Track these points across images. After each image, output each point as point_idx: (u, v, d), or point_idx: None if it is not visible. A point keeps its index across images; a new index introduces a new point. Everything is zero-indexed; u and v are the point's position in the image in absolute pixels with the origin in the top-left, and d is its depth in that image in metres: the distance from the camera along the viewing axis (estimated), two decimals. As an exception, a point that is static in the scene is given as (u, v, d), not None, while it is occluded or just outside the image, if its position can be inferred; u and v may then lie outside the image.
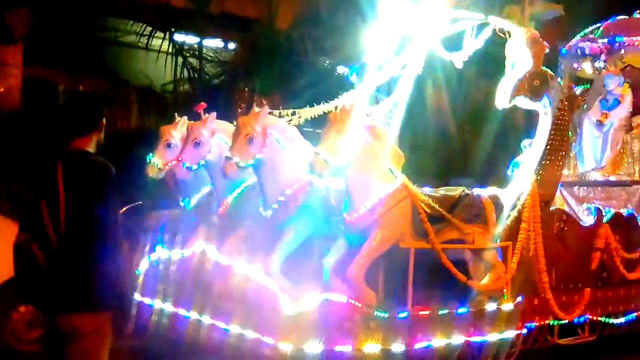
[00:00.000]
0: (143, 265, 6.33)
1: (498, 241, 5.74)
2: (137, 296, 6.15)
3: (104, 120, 3.78)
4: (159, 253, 6.30)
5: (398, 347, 5.05)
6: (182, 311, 5.84)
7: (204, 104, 6.10)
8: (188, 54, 12.84)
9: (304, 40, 11.56)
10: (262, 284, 5.12)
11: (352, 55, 6.84)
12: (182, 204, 6.43)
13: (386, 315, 5.04)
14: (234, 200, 5.92)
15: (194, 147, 5.96)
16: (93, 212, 3.47)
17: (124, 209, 6.92)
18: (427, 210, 5.32)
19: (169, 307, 5.99)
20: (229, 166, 5.32)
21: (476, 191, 5.85)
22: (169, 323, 5.96)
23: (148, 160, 6.11)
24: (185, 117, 6.28)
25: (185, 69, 12.63)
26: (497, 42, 5.96)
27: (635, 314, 7.05)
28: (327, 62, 12.29)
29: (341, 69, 6.64)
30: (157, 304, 6.10)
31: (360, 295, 5.00)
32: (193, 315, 5.71)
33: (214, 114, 6.08)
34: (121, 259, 3.58)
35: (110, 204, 3.54)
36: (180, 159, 5.99)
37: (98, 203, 3.49)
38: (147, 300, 6.18)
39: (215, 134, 6.01)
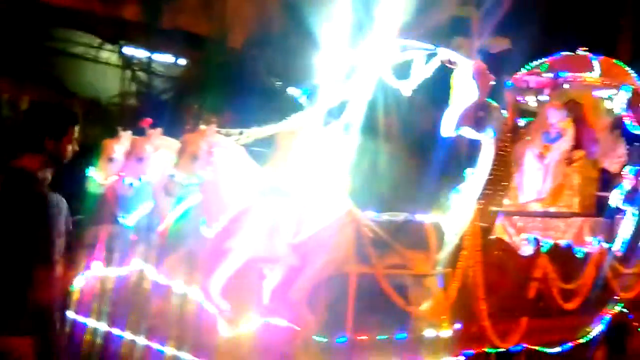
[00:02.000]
0: (79, 282, 6.16)
1: (439, 268, 5.79)
2: (71, 314, 5.99)
3: (67, 134, 3.64)
4: (95, 270, 6.14)
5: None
6: (116, 331, 5.69)
7: (149, 119, 6.00)
8: (137, 68, 12.69)
9: (256, 59, 11.57)
10: (200, 305, 5.03)
11: (303, 77, 6.86)
12: (121, 220, 6.29)
13: (325, 340, 5.01)
14: (176, 219, 5.83)
15: (137, 163, 5.84)
16: (21, 237, 3.36)
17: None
18: (371, 235, 5.34)
19: (103, 326, 5.84)
20: (171, 184, 5.23)
21: (419, 217, 5.91)
22: (103, 342, 5.81)
23: (89, 174, 5.97)
24: (130, 132, 6.17)
25: (133, 83, 12.47)
26: (446, 71, 6.06)
27: (571, 344, 7.19)
28: (278, 82, 12.31)
29: (292, 90, 6.65)
30: (92, 322, 5.94)
31: (301, 320, 4.97)
32: (127, 335, 5.57)
33: (159, 129, 5.99)
34: (50, 285, 3.47)
35: (41, 233, 3.42)
36: (121, 174, 5.87)
37: (27, 230, 3.37)
38: (81, 319, 6.01)
39: (159, 150, 5.92)
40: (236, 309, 5.06)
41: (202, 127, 5.44)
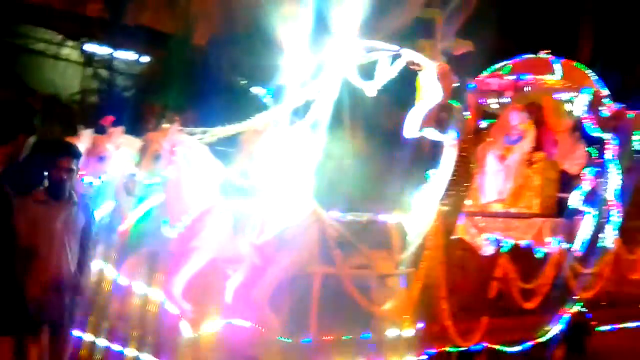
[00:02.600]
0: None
1: (402, 268, 5.83)
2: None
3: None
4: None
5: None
6: (76, 332, 5.60)
7: (110, 117, 5.93)
8: (98, 65, 12.50)
9: (220, 58, 11.48)
10: (161, 306, 4.98)
11: (268, 77, 6.83)
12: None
13: (289, 340, 5.00)
14: (137, 219, 5.76)
15: (97, 162, 5.77)
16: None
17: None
18: (335, 235, 5.35)
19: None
20: (132, 183, 5.18)
21: (383, 217, 5.93)
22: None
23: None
24: (90, 130, 6.08)
25: (94, 80, 12.28)
26: (410, 72, 6.10)
27: (530, 343, 7.29)
28: (242, 81, 12.24)
29: (256, 90, 6.62)
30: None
31: (264, 320, 4.95)
32: (88, 337, 5.48)
33: (121, 128, 5.92)
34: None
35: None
36: (82, 173, 5.77)
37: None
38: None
39: (121, 148, 5.85)
40: (198, 309, 5.03)
41: (165, 125, 5.39)
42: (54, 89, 12.35)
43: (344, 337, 5.33)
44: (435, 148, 6.24)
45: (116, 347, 5.22)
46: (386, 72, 6.20)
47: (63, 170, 4.69)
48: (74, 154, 4.84)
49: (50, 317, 4.66)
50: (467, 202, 7.53)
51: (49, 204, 4.67)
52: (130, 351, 5.09)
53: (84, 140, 6.00)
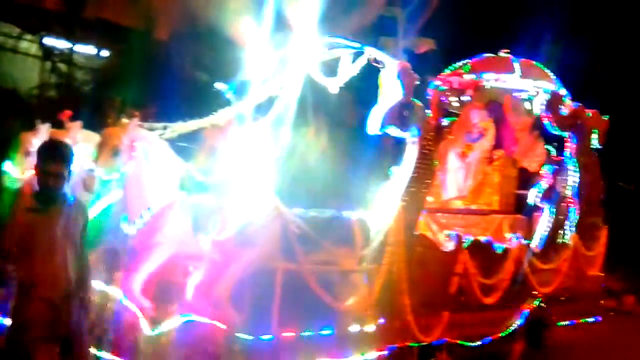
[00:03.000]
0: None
1: (364, 264, 5.85)
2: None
3: None
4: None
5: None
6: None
7: (68, 112, 5.84)
8: (57, 59, 12.29)
9: (182, 53, 11.38)
10: (120, 303, 4.92)
11: (231, 72, 6.79)
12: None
13: (250, 337, 4.98)
14: (96, 215, 5.67)
15: (55, 157, 5.65)
16: None
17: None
18: (297, 231, 5.33)
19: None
20: (90, 179, 5.10)
21: (345, 214, 5.94)
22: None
23: (5, 169, 5.76)
24: (48, 125, 5.97)
25: (53, 74, 12.08)
26: (374, 70, 6.12)
27: (490, 337, 7.37)
28: (205, 77, 12.15)
29: (219, 86, 6.58)
30: (8, 321, 5.71)
31: (225, 317, 4.92)
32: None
33: (79, 122, 5.83)
34: None
35: None
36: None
37: None
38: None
39: (79, 143, 5.75)
40: (158, 307, 4.98)
41: (124, 120, 5.32)
42: (12, 83, 12.11)
43: (305, 333, 5.32)
44: (398, 145, 6.27)
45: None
46: (348, 69, 6.22)
47: (51, 177, 4.25)
48: (64, 157, 4.35)
49: (60, 332, 4.23)
50: (429, 199, 7.60)
51: (42, 211, 4.26)
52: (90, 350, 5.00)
53: (41, 135, 5.90)
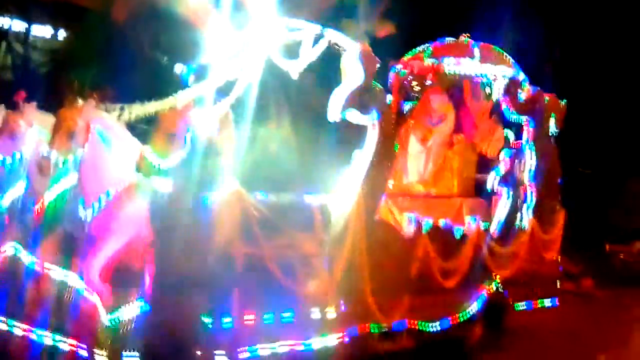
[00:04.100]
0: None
1: (325, 248, 5.85)
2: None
3: None
4: (-36, 254, 5.77)
5: (221, 357, 4.97)
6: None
7: (23, 93, 5.69)
8: (13, 40, 11.99)
9: (140, 34, 11.17)
10: (78, 289, 4.84)
11: (190, 54, 6.70)
12: (-6, 200, 5.94)
13: (211, 322, 4.95)
14: (51, 200, 5.56)
15: (9, 139, 5.55)
16: None
17: None
18: (257, 215, 5.31)
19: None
20: (45, 162, 4.99)
21: (306, 199, 5.93)
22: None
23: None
24: (2, 106, 5.83)
25: (8, 55, 11.78)
26: (336, 53, 6.09)
27: (449, 320, 7.46)
28: (165, 59, 11.96)
29: (178, 68, 6.49)
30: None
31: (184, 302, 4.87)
32: (3, 323, 5.28)
33: (33, 103, 5.70)
34: None
35: None
36: (-7, 151, 5.55)
37: None
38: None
39: (33, 125, 5.62)
40: (117, 292, 4.91)
41: (80, 102, 5.21)
42: (-36, 64, 11.79)
43: (266, 318, 5.31)
44: (361, 129, 6.27)
45: (34, 332, 5.04)
46: (309, 53, 6.17)
47: None
48: None
49: None
50: (390, 183, 7.63)
51: None
52: (48, 336, 4.93)
53: (-5, 117, 5.77)
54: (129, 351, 4.61)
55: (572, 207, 9.62)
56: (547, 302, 8.90)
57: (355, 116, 6.04)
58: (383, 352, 6.65)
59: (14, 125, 5.59)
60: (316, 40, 6.16)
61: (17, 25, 12.25)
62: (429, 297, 7.12)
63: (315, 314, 5.67)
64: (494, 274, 8.00)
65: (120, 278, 5.07)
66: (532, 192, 8.60)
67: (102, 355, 4.60)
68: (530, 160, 8.62)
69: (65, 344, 4.89)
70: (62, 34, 12.79)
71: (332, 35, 6.07)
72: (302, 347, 5.55)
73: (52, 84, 10.84)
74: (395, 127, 6.56)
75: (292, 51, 6.29)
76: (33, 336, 5.09)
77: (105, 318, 4.71)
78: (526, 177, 8.60)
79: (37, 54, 12.48)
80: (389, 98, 6.87)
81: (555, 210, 9.35)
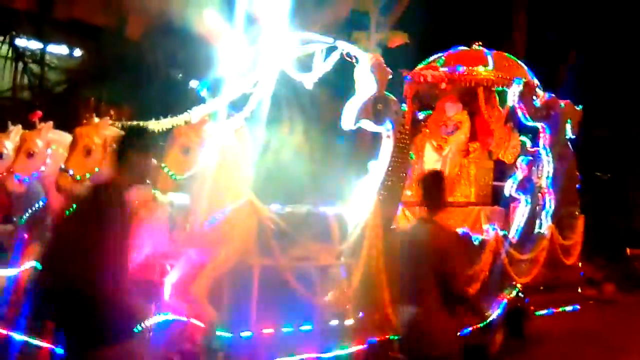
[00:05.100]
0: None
1: (342, 258, 5.85)
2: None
3: None
4: (-14, 270, 5.85)
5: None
6: (11, 333, 5.44)
7: (39, 112, 5.77)
8: (29, 60, 12.15)
9: (155, 51, 11.29)
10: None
11: (205, 70, 6.76)
12: (14, 218, 6.02)
13: (229, 335, 4.96)
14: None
15: (27, 158, 5.61)
16: None
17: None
18: (273, 227, 5.32)
19: (-2, 329, 5.57)
20: (63, 179, 5.04)
21: (322, 209, 5.94)
22: (-1, 346, 5.55)
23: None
24: (20, 126, 5.91)
25: (25, 75, 11.94)
26: (348, 65, 6.11)
27: (469, 328, 7.41)
28: (179, 74, 12.07)
29: (193, 83, 6.54)
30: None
31: (203, 314, 4.89)
32: (24, 337, 5.33)
33: (50, 123, 5.77)
34: None
35: None
36: (12, 170, 5.61)
37: None
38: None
39: (51, 144, 5.69)
40: (136, 305, 4.93)
41: (96, 120, 5.27)
42: (-17, 85, 11.97)
43: (285, 329, 5.31)
44: (375, 139, 6.28)
45: (53, 347, 5.08)
46: (322, 65, 6.20)
47: None
48: None
49: None
50: (407, 192, 7.62)
51: None
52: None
53: (13, 137, 5.84)
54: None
55: (593, 213, 9.55)
56: (569, 308, 8.82)
57: (369, 126, 6.05)
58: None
59: (31, 145, 5.66)
60: (329, 52, 6.19)
61: (33, 45, 12.43)
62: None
63: (334, 324, 5.66)
64: (513, 280, 7.95)
65: (138, 291, 5.10)
66: (550, 199, 8.55)
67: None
68: (547, 166, 8.58)
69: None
70: (77, 53, 12.96)
71: (344, 47, 6.10)
72: (321, 358, 5.54)
73: (68, 103, 10.97)
74: (410, 136, 6.54)
75: (305, 64, 6.33)
76: (53, 350, 5.11)
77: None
78: (544, 183, 8.56)
79: (53, 73, 12.64)
80: (403, 107, 6.87)
81: (574, 216, 9.29)
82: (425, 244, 4.90)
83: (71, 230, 4.19)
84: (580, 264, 9.34)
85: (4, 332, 5.49)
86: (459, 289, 5.05)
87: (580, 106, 9.21)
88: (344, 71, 6.26)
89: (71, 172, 5.03)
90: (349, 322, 5.76)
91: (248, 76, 6.23)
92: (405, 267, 4.99)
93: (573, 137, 9.19)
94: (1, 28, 11.93)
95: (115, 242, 4.08)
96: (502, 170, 8.80)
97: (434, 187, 5.14)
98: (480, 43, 9.01)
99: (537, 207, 8.49)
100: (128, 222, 4.33)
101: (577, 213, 9.32)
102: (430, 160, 8.82)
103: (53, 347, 5.08)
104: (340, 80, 6.62)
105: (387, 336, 6.35)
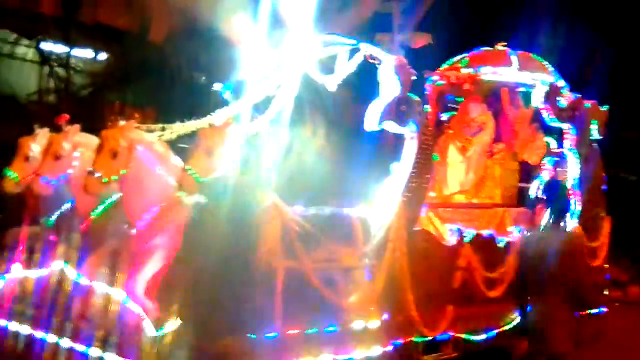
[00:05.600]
0: (-2, 285, 5.95)
1: (366, 260, 5.84)
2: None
3: None
4: (16, 272, 5.93)
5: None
6: (39, 334, 5.52)
7: (66, 116, 5.84)
8: (55, 64, 12.31)
9: (178, 54, 11.38)
10: (124, 305, 4.92)
11: (228, 72, 6.81)
12: (41, 220, 6.09)
13: (254, 336, 4.98)
14: (97, 217, 5.67)
15: (54, 161, 5.68)
16: None
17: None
18: (297, 229, 5.33)
19: (25, 330, 5.65)
20: (90, 181, 5.10)
21: (346, 211, 5.94)
22: (26, 346, 5.62)
23: (5, 174, 5.77)
24: (47, 129, 5.98)
25: (51, 79, 12.09)
26: (371, 66, 6.12)
27: (495, 330, 7.37)
28: (202, 77, 12.15)
29: (216, 86, 6.61)
30: (13, 326, 5.74)
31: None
32: (51, 338, 5.41)
33: (77, 126, 5.84)
34: None
35: None
36: (39, 173, 5.68)
37: None
38: (2, 322, 5.81)
39: (78, 147, 5.76)
40: (161, 307, 4.98)
41: (122, 123, 5.33)
42: (10, 89, 12.13)
43: (309, 331, 5.32)
44: (398, 141, 6.27)
45: (80, 347, 5.14)
46: (345, 67, 6.21)
47: None
48: None
49: None
50: (431, 194, 7.60)
51: None
52: (94, 351, 5.01)
53: (40, 140, 5.92)
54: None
55: (618, 214, 9.44)
56: (594, 311, 8.72)
57: (393, 127, 6.05)
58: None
59: (58, 148, 5.73)
60: (352, 54, 6.20)
61: (59, 49, 12.59)
62: (473, 308, 7.05)
63: (359, 325, 5.66)
64: (539, 283, 7.87)
65: (164, 293, 5.15)
66: (576, 200, 8.47)
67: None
68: (573, 167, 8.50)
69: (112, 359, 4.96)
70: (102, 56, 13.11)
71: (368, 49, 6.10)
72: (345, 358, 5.54)
73: (93, 106, 11.09)
74: (433, 137, 6.52)
75: (328, 66, 6.34)
76: (80, 351, 5.18)
77: (151, 333, 4.77)
78: (569, 184, 8.48)
79: (79, 76, 12.79)
80: (427, 109, 6.85)
81: (600, 217, 9.17)
82: (556, 249, 5.02)
83: None
84: (606, 266, 9.22)
85: (32, 332, 5.58)
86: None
87: (606, 107, 9.10)
88: (367, 73, 6.27)
89: (98, 174, 5.09)
90: (373, 324, 5.76)
91: (271, 78, 6.27)
92: (532, 270, 5.07)
93: (599, 138, 9.08)
94: (27, 32, 12.09)
95: None
96: (527, 172, 8.73)
97: (561, 197, 5.27)
98: (505, 43, 8.94)
99: (563, 209, 8.41)
100: None
101: (603, 214, 9.21)
102: (454, 161, 8.78)
103: (81, 347, 5.16)
104: (363, 82, 6.63)
105: (411, 338, 6.35)
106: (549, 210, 8.18)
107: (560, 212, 8.30)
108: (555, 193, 8.29)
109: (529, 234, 5.38)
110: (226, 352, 4.87)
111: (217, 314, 4.90)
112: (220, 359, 4.89)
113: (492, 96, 9.01)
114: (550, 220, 8.14)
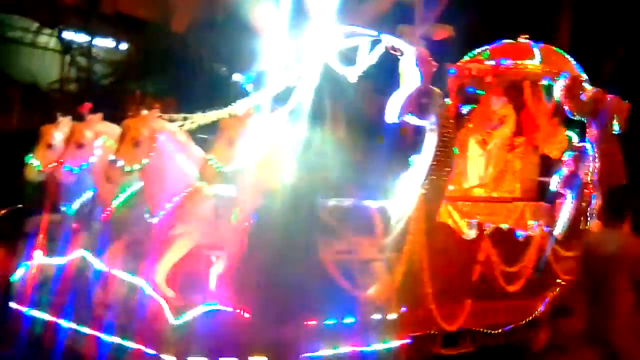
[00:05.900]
0: (20, 272, 6.01)
1: (385, 252, 5.84)
2: (13, 305, 5.85)
3: None
4: (37, 259, 6.00)
5: (285, 358, 5.02)
6: (60, 321, 5.57)
7: (88, 104, 5.88)
8: (76, 53, 12.40)
9: (199, 45, 11.41)
10: (145, 293, 4.96)
11: (248, 63, 6.82)
12: (63, 208, 6.15)
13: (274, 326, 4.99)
14: (119, 206, 5.72)
15: (77, 149, 5.73)
16: None
17: (2, 212, 6.60)
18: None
19: (46, 317, 5.71)
20: (112, 170, 5.13)
21: (365, 203, 5.94)
22: (47, 333, 5.68)
23: (27, 162, 5.83)
24: (69, 118, 6.03)
25: (72, 68, 12.18)
26: (392, 58, 6.09)
27: (514, 325, 7.34)
28: (222, 68, 12.17)
29: (237, 77, 6.62)
30: (34, 313, 5.81)
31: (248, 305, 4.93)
32: (72, 325, 5.46)
33: (99, 115, 5.88)
34: None
35: None
36: (61, 161, 5.73)
37: None
38: (23, 309, 5.87)
39: (100, 136, 5.80)
40: (182, 296, 5.01)
41: (144, 112, 5.35)
42: (32, 77, 12.23)
43: (328, 322, 5.33)
44: (418, 133, 6.24)
45: (101, 335, 5.19)
46: (367, 58, 6.19)
47: None
48: None
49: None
50: (450, 187, 7.56)
51: None
52: (115, 339, 5.06)
53: (62, 129, 5.96)
54: (196, 354, 4.68)
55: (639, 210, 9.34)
56: (614, 306, 8.64)
57: (413, 120, 6.02)
58: (445, 357, 6.59)
59: (80, 136, 5.77)
60: (373, 46, 6.17)
61: (81, 38, 12.67)
62: (492, 302, 7.02)
63: (377, 318, 5.66)
64: (559, 278, 7.83)
65: (185, 282, 5.18)
66: (596, 195, 8.38)
67: (170, 358, 4.68)
68: (594, 161, 8.41)
69: (133, 347, 5.01)
70: (123, 46, 13.18)
71: (389, 40, 6.07)
72: (364, 351, 5.55)
73: (114, 95, 11.16)
74: (453, 130, 6.48)
75: (349, 57, 6.32)
76: (101, 338, 5.23)
77: (171, 321, 4.80)
78: (590, 179, 8.40)
79: (100, 65, 12.87)
80: (447, 101, 6.83)
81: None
82: (617, 252, 5.07)
83: None
84: (626, 262, 9.14)
85: (53, 319, 5.64)
86: None
87: (628, 101, 9.00)
88: (387, 64, 6.24)
89: (120, 163, 5.12)
90: (392, 316, 5.75)
91: (292, 69, 6.26)
92: (589, 274, 5.11)
93: (620, 132, 8.98)
94: (50, 22, 12.18)
95: None
96: (548, 166, 8.65)
97: (618, 198, 5.31)
98: (527, 36, 8.85)
99: (584, 204, 8.33)
100: None
101: (623, 211, 9.10)
102: (474, 154, 8.73)
103: (101, 334, 5.20)
104: (384, 74, 6.60)
105: (429, 331, 6.34)
106: (568, 205, 8.12)
107: (580, 207, 8.24)
108: (575, 188, 8.21)
109: (595, 236, 5.47)
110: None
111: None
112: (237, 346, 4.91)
113: (514, 89, 8.93)
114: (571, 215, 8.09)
